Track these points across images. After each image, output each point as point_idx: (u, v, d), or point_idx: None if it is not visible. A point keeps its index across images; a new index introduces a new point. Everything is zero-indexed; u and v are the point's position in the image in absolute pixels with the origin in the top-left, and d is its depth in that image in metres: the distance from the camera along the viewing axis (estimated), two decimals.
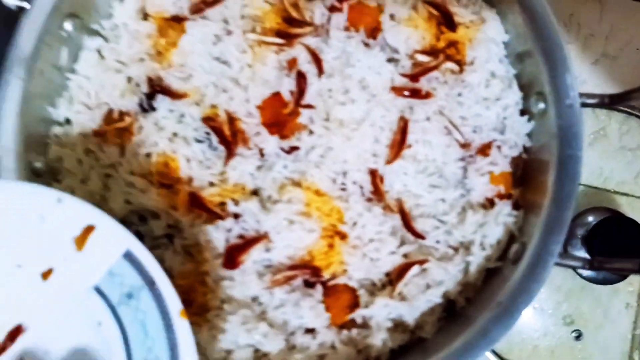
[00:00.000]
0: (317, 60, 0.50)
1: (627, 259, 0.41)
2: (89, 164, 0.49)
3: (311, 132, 0.50)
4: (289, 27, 0.50)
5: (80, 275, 0.41)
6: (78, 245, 0.40)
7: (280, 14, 0.51)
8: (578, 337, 0.70)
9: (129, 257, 0.41)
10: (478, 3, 0.50)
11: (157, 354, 0.39)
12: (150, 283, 0.40)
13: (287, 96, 0.50)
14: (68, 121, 0.50)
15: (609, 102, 0.47)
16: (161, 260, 0.48)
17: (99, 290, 0.40)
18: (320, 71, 0.50)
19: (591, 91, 0.81)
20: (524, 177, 0.51)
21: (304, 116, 0.50)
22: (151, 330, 0.40)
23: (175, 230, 0.49)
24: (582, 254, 0.69)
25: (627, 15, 0.81)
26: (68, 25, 0.48)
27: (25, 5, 0.45)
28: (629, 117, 0.77)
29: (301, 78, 0.50)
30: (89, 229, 0.41)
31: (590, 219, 0.70)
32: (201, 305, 0.48)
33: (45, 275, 0.41)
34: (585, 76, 0.80)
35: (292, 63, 0.50)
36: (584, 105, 0.45)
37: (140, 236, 0.50)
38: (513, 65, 0.51)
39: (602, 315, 0.71)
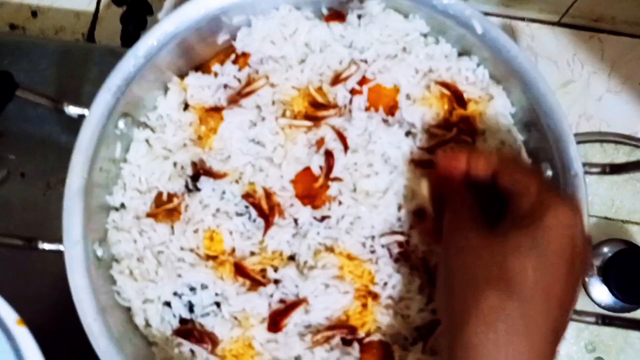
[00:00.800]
0: (342, 138, 0.55)
1: (637, 319, 0.45)
2: (143, 244, 0.55)
3: (340, 203, 0.55)
4: (316, 110, 0.55)
5: None
6: None
7: (306, 99, 0.56)
8: None
9: None
10: (485, 81, 0.55)
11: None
12: None
13: (317, 171, 0.55)
14: (123, 206, 0.56)
15: (610, 171, 0.51)
16: (212, 327, 0.54)
17: None
18: (346, 148, 0.55)
19: (597, 126, 0.86)
20: None
21: (333, 188, 0.55)
22: None
23: (222, 298, 0.54)
24: (599, 283, 0.73)
25: (626, 52, 0.85)
26: (121, 124, 0.54)
27: (85, 112, 0.51)
28: (635, 150, 0.81)
29: (329, 155, 0.55)
30: None
31: (606, 249, 0.74)
32: None
33: None
34: (591, 112, 0.84)
35: (320, 142, 0.55)
36: (587, 173, 0.50)
37: (191, 305, 0.55)
38: (521, 132, 0.55)
39: (623, 340, 0.75)
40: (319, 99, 0.55)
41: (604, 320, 0.48)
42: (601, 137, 0.82)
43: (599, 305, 0.73)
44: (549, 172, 0.52)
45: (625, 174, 0.72)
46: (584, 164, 0.49)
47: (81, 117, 0.51)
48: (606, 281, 0.72)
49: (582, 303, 0.71)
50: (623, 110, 0.84)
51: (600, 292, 0.72)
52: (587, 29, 0.84)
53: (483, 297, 0.36)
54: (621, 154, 0.82)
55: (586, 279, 0.74)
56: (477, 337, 0.36)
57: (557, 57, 0.84)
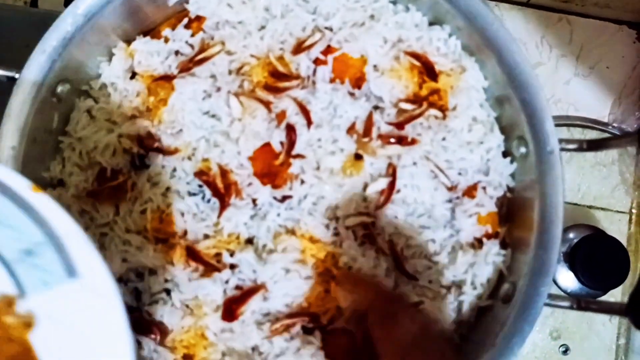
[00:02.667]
0: (305, 112, 0.51)
1: (612, 302, 0.43)
2: (85, 225, 0.50)
3: (303, 182, 0.51)
4: (276, 81, 0.51)
5: None
6: None
7: (266, 68, 0.52)
8: (565, 351, 0.73)
9: None
10: (457, 52, 0.52)
11: (29, 239, 0.34)
12: None
13: (277, 147, 0.51)
14: (61, 183, 0.51)
15: (587, 148, 0.49)
16: (160, 316, 0.50)
17: None
18: (309, 122, 0.51)
19: (565, 109, 0.85)
20: (510, 214, 0.53)
21: (295, 166, 0.51)
22: (6, 220, 0.34)
23: (173, 284, 0.50)
24: (566, 270, 0.71)
25: (595, 35, 0.83)
26: (58, 91, 0.49)
27: (15, 75, 0.46)
28: (602, 134, 0.79)
29: (291, 130, 0.51)
30: None
31: (572, 235, 0.73)
32: (203, 359, 0.49)
33: None
34: (559, 95, 0.83)
35: (281, 115, 0.51)
36: (563, 149, 0.47)
37: (138, 293, 0.50)
38: (493, 108, 0.53)
39: (587, 328, 0.74)
40: (280, 68, 0.51)
41: (580, 305, 0.46)
42: (569, 121, 0.81)
43: (564, 291, 0.71)
44: (523, 150, 0.49)
45: (601, 151, 0.70)
46: (560, 140, 0.46)
47: (12, 81, 0.46)
48: (572, 267, 0.70)
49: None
50: (591, 94, 0.82)
51: (566, 279, 0.71)
52: (556, 11, 0.82)
53: None
54: (588, 138, 0.81)
55: None
56: None
57: (526, 39, 0.82)
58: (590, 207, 0.78)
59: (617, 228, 0.76)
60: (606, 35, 0.83)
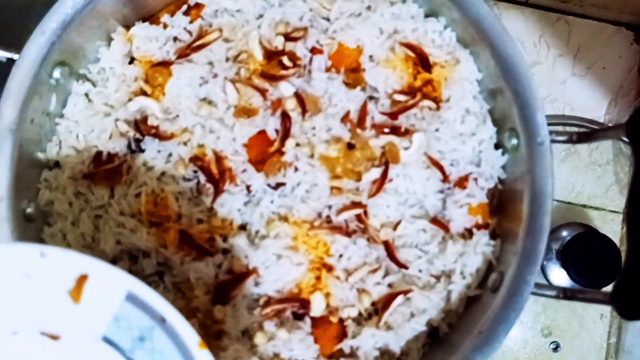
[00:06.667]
0: (300, 100, 0.51)
1: (598, 290, 0.44)
2: (80, 206, 0.51)
3: (297, 169, 0.52)
4: (273, 69, 0.52)
5: (84, 328, 0.38)
6: (74, 297, 0.38)
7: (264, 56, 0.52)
8: (556, 348, 0.73)
9: (132, 299, 0.38)
10: (452, 44, 0.53)
11: None
12: (160, 320, 0.38)
13: (272, 135, 0.52)
14: (58, 165, 0.51)
15: (577, 140, 0.50)
16: None
17: (108, 340, 0.38)
18: (304, 111, 0.52)
19: (561, 109, 0.85)
20: (500, 206, 0.53)
21: (289, 154, 0.52)
22: None
23: (165, 267, 0.51)
24: (558, 267, 0.71)
25: (593, 36, 0.84)
26: (57, 73, 0.49)
27: (14, 56, 0.46)
28: None
29: (286, 118, 0.51)
30: (82, 279, 0.38)
31: (565, 233, 0.73)
32: None
33: (47, 335, 0.38)
34: (555, 95, 0.83)
35: (276, 103, 0.52)
36: (553, 141, 0.48)
37: (131, 274, 0.51)
38: (486, 100, 0.53)
39: (578, 325, 0.74)
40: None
41: (566, 294, 0.46)
42: (564, 121, 0.81)
43: None
44: (514, 141, 0.50)
45: (591, 143, 0.70)
46: (551, 132, 0.47)
47: (11, 62, 0.46)
48: (564, 265, 0.70)
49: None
50: (587, 95, 0.82)
51: (558, 276, 0.71)
52: (555, 11, 0.83)
53: None
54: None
55: (545, 263, 0.73)
56: None
57: (524, 38, 0.83)
58: (584, 206, 0.79)
59: (610, 227, 0.76)
60: (604, 36, 0.84)
